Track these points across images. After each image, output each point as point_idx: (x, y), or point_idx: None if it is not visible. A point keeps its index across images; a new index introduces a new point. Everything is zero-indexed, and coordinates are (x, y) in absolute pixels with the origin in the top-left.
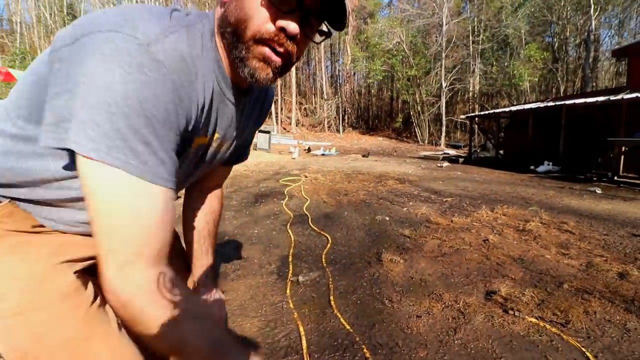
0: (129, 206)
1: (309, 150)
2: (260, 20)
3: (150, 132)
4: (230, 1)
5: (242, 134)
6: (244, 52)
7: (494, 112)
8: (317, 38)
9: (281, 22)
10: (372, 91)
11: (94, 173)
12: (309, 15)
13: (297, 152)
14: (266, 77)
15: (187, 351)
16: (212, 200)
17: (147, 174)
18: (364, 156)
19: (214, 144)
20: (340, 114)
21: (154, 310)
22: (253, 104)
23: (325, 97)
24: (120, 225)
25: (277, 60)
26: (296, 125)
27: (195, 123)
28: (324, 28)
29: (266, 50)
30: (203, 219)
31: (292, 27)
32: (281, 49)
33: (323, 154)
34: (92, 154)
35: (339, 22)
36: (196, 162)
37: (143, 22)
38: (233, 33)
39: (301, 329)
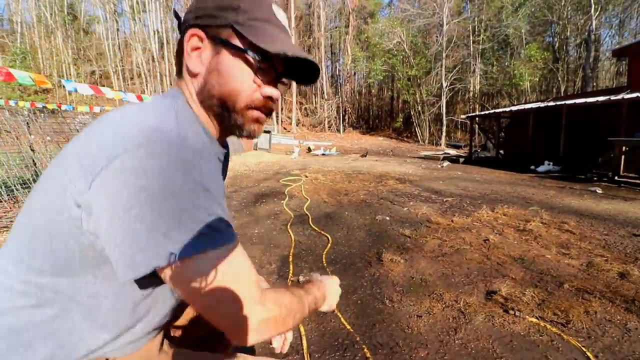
0: (236, 269)
1: (309, 150)
2: (250, 91)
3: (219, 204)
4: (206, 75)
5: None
6: (240, 120)
7: (494, 112)
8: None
9: (267, 91)
10: (373, 91)
11: (198, 265)
12: (281, 77)
13: (297, 152)
14: (260, 132)
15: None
16: None
17: (231, 239)
18: (362, 156)
19: None
20: (341, 114)
21: (277, 312)
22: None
23: (326, 97)
24: (239, 285)
25: (264, 118)
26: (296, 125)
27: None
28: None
29: (260, 114)
30: None
31: (276, 94)
32: (268, 110)
33: (323, 154)
34: (191, 250)
35: (307, 82)
36: None
37: (160, 125)
38: (222, 105)
39: (301, 328)
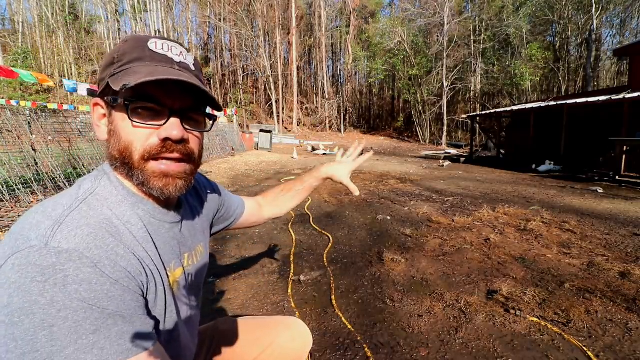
0: None
1: (313, 149)
2: (142, 139)
3: (114, 321)
4: (109, 138)
5: (202, 233)
6: (141, 177)
7: (495, 112)
8: (208, 124)
9: (162, 133)
10: (374, 91)
11: None
12: (186, 112)
13: (296, 152)
14: (176, 189)
15: None
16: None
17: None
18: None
19: (188, 265)
20: (342, 114)
21: None
22: (191, 204)
23: (327, 96)
24: None
25: (176, 168)
26: (298, 125)
27: (154, 270)
28: (209, 110)
29: (161, 166)
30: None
31: (175, 133)
32: (175, 155)
33: (324, 154)
34: None
35: (213, 107)
36: (189, 287)
37: (32, 228)
38: (122, 164)
39: None
